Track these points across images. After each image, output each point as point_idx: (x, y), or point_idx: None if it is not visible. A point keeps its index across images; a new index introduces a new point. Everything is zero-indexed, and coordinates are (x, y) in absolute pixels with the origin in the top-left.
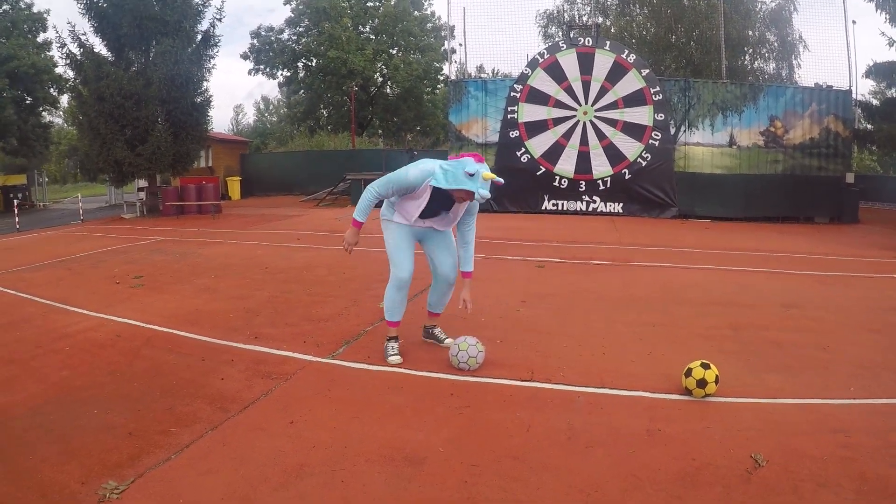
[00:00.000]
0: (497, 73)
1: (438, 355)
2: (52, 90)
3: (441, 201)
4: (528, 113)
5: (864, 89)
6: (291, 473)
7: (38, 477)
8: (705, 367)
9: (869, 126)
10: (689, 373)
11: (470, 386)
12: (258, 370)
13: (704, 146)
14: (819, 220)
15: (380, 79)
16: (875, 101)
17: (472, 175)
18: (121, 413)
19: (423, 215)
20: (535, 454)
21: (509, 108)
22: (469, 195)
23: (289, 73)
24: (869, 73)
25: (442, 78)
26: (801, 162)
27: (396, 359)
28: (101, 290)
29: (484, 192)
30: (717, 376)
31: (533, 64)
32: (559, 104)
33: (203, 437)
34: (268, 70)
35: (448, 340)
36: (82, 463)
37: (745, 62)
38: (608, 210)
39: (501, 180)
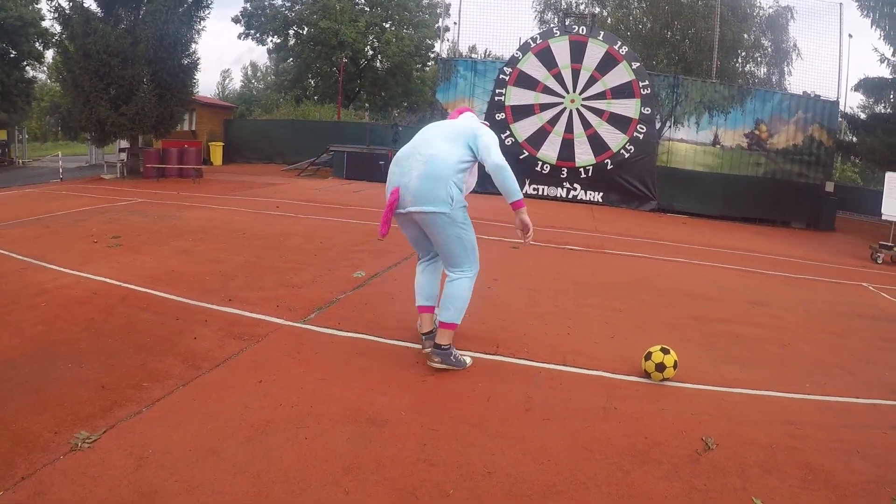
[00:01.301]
0: (489, 55)
1: (407, 325)
2: (37, 44)
3: None
4: (516, 96)
5: (853, 102)
6: (258, 429)
7: (11, 427)
8: (665, 351)
9: (853, 138)
10: (648, 356)
11: None
12: (231, 331)
13: (688, 143)
14: (796, 224)
15: (370, 52)
16: (862, 115)
17: None
18: (94, 367)
19: None
20: (493, 423)
21: (497, 91)
22: None
23: (279, 41)
24: (858, 87)
25: (432, 55)
26: (783, 167)
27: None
28: (79, 248)
29: None
30: (675, 361)
31: (524, 48)
32: (547, 90)
33: (174, 393)
34: (258, 35)
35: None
36: (55, 414)
37: (737, 64)
38: (588, 198)
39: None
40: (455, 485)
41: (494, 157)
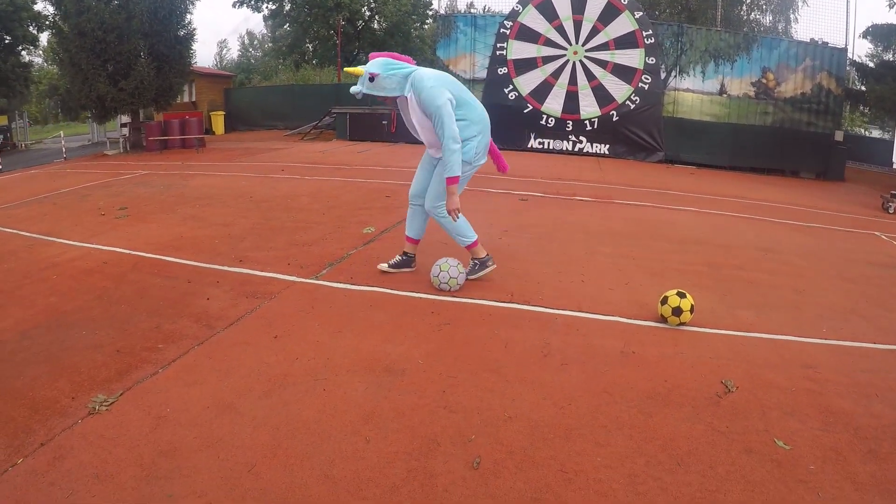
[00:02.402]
0: (487, 11)
1: (420, 276)
2: (31, 28)
3: (405, 111)
4: (518, 50)
5: (860, 51)
6: (275, 383)
7: (29, 395)
8: (681, 295)
9: (862, 87)
10: (665, 301)
11: (450, 305)
12: (243, 290)
13: (694, 93)
14: (805, 174)
15: (367, 13)
16: (870, 64)
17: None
18: (108, 333)
19: (412, 130)
20: (511, 368)
21: (498, 45)
22: (385, 99)
23: (274, 7)
24: (867, 34)
25: (431, 13)
26: (791, 116)
27: (383, 265)
28: (87, 221)
29: (353, 88)
30: (692, 305)
31: (525, 1)
32: (549, 43)
33: (189, 353)
34: (253, 2)
35: (382, 266)
36: (72, 380)
37: (742, 12)
38: (594, 151)
39: (361, 69)
40: (476, 430)
41: None
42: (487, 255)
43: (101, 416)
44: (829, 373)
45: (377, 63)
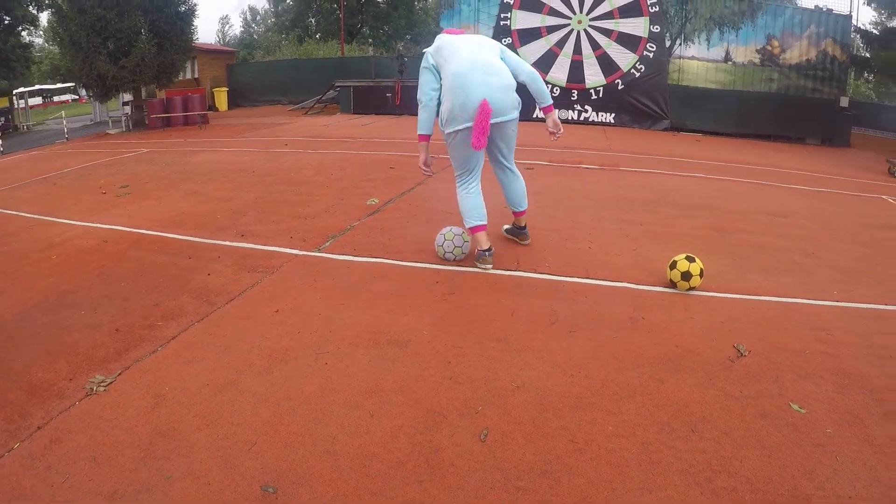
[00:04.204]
0: None
1: (424, 246)
2: (30, 8)
3: None
4: (522, 20)
5: (864, 19)
6: (276, 358)
7: (26, 377)
8: (690, 259)
9: (867, 54)
10: (673, 265)
11: (455, 274)
12: (244, 265)
13: (699, 60)
14: (811, 141)
15: None
16: (875, 31)
17: None
18: (107, 312)
19: None
20: (518, 337)
21: (502, 15)
22: None
23: None
24: (871, 1)
25: None
26: (797, 82)
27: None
28: (88, 200)
29: None
30: (701, 269)
31: None
32: (553, 12)
33: (189, 329)
34: None
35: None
36: (69, 361)
37: None
38: (600, 120)
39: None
40: (483, 401)
41: (528, 67)
42: (487, 249)
43: (99, 397)
44: (842, 335)
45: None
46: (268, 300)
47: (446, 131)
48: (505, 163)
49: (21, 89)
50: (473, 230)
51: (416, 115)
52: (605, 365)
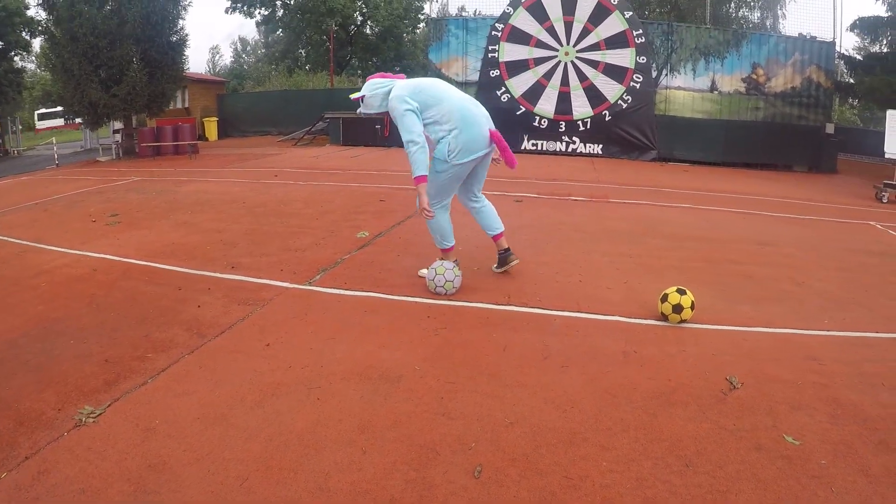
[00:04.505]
0: (479, 14)
1: (415, 280)
2: (24, 34)
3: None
4: (509, 52)
5: (847, 45)
6: (267, 393)
7: (13, 406)
8: (681, 292)
9: (851, 80)
10: (665, 298)
11: (446, 309)
12: (235, 297)
13: (686, 90)
14: (797, 168)
15: (359, 18)
16: (858, 56)
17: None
18: (97, 342)
19: None
20: (511, 372)
21: (490, 47)
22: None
23: (267, 12)
24: (854, 27)
25: (422, 17)
26: (782, 110)
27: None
28: (78, 228)
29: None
30: (692, 302)
31: (515, 3)
32: (541, 44)
33: (179, 361)
34: (245, 8)
35: (422, 271)
36: (58, 391)
37: (731, 10)
38: (588, 151)
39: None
40: (477, 437)
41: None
42: (456, 261)
43: (88, 429)
44: (833, 364)
45: (366, 85)
46: (259, 333)
47: (458, 161)
48: (478, 191)
49: (43, 110)
50: (449, 250)
51: (404, 147)
52: (598, 399)
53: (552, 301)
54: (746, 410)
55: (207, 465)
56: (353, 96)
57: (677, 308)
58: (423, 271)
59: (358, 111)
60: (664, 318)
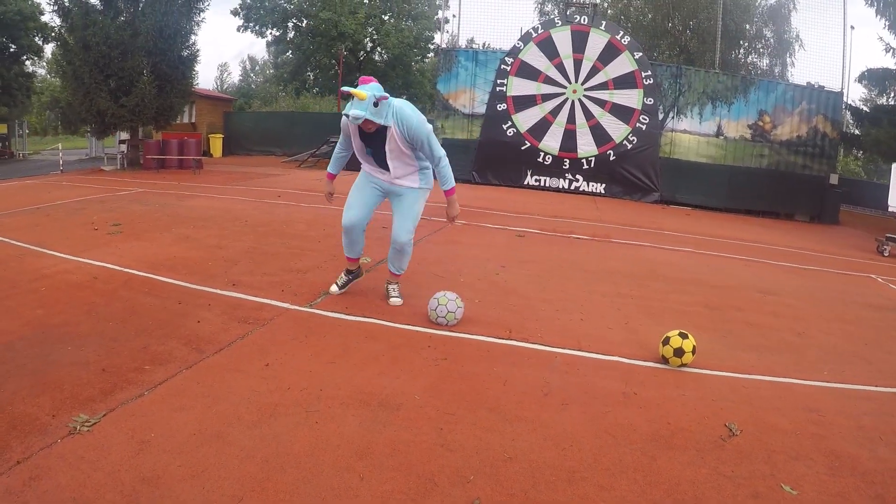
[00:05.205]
0: (488, 47)
1: (416, 309)
2: (36, 39)
3: (371, 139)
4: (518, 87)
5: (854, 95)
6: (265, 413)
7: (8, 409)
8: (683, 336)
9: (856, 131)
10: (666, 341)
11: (447, 340)
12: (235, 315)
13: (691, 134)
14: (800, 217)
15: (369, 44)
16: (864, 108)
17: (347, 97)
18: (95, 350)
19: (374, 159)
20: (510, 407)
21: (498, 81)
22: (366, 123)
23: (278, 33)
24: (862, 78)
25: (432, 47)
26: (787, 158)
27: (334, 288)
28: (79, 235)
29: (354, 112)
30: (694, 346)
31: (526, 38)
32: (549, 80)
33: (177, 376)
34: (257, 28)
35: (393, 300)
36: (54, 397)
37: (740, 56)
38: (590, 190)
39: (364, 93)
40: (475, 470)
41: None
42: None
43: (82, 437)
44: (832, 416)
45: (373, 87)
46: (258, 353)
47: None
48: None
49: None
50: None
51: (437, 163)
52: (598, 439)
53: (553, 338)
54: (745, 458)
55: (202, 482)
56: (362, 93)
57: (678, 352)
58: (395, 300)
59: (358, 114)
60: (665, 361)
